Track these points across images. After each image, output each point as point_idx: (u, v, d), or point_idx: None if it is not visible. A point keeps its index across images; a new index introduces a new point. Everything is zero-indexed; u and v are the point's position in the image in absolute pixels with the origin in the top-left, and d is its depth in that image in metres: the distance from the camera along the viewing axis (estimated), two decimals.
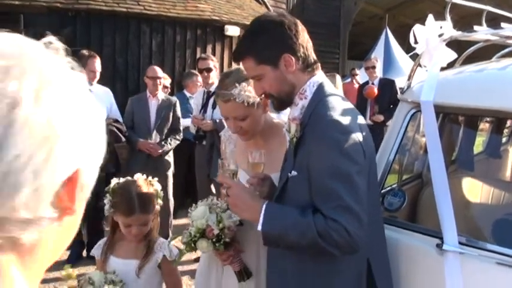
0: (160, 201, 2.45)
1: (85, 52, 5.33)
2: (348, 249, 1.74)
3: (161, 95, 5.82)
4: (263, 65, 1.93)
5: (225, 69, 8.26)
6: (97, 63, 5.30)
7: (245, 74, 2.27)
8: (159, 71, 5.79)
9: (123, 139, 5.48)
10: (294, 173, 1.88)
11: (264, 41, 1.93)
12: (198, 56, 7.83)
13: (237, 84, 2.23)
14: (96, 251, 2.52)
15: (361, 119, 1.97)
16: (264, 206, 1.84)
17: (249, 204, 1.89)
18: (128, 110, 5.80)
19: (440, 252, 2.09)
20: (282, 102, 2.04)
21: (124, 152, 5.99)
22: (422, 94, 2.34)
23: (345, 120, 1.82)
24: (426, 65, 2.58)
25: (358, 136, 1.82)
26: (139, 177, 2.49)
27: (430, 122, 2.29)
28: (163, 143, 5.68)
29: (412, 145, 3.09)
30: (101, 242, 2.54)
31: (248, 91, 2.23)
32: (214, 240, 2.18)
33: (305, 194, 1.80)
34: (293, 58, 1.92)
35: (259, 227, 1.82)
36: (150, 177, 2.53)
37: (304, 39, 1.97)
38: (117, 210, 2.38)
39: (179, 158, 6.18)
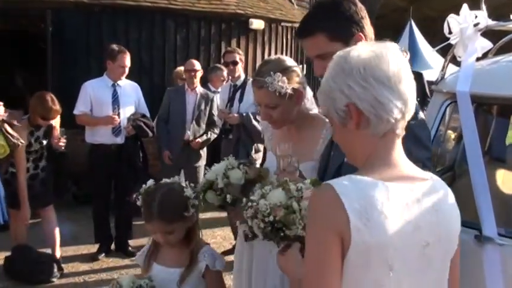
0: (191, 210, 2.21)
1: (115, 47, 5.38)
2: None
3: (199, 88, 5.87)
4: (336, 42, 1.87)
5: (250, 62, 8.26)
6: (127, 59, 5.35)
7: (284, 64, 2.31)
8: (196, 64, 5.85)
9: (150, 134, 5.53)
10: None
11: (340, 17, 1.89)
12: (222, 50, 7.85)
13: (271, 73, 2.25)
14: (140, 258, 2.38)
15: None
16: None
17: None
18: (164, 101, 5.87)
19: (479, 243, 2.06)
20: None
21: (151, 147, 6.05)
22: (458, 84, 2.31)
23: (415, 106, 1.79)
24: (460, 55, 2.54)
25: (426, 122, 1.81)
26: (173, 183, 2.31)
27: (467, 112, 2.26)
28: (204, 136, 5.75)
29: (444, 137, 3.05)
30: (145, 249, 2.38)
31: (282, 81, 2.24)
32: (218, 193, 2.21)
33: None
34: (363, 38, 1.89)
35: None
36: (186, 183, 2.34)
37: (368, 21, 1.95)
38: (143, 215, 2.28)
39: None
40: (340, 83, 1.37)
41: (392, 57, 1.37)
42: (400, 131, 1.40)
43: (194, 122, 5.75)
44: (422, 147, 1.75)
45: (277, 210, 1.56)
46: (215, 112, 5.90)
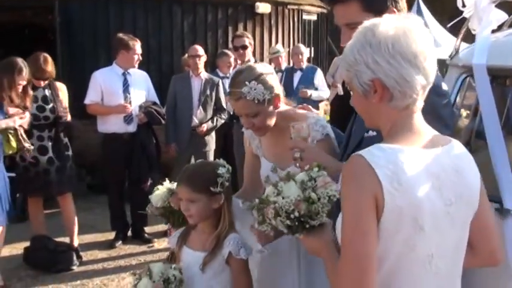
0: (219, 188, 2.20)
1: (126, 36, 5.38)
2: None
3: (204, 74, 5.85)
4: (368, 13, 1.82)
5: (257, 47, 8.22)
6: (139, 47, 5.37)
7: (256, 72, 2.28)
8: (199, 50, 5.82)
9: (162, 121, 5.54)
10: (372, 133, 1.85)
11: None
12: (229, 35, 7.83)
13: (247, 83, 2.23)
14: (173, 239, 2.40)
15: None
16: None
17: (328, 165, 1.83)
18: (170, 89, 5.85)
19: (500, 216, 2.06)
20: None
21: (162, 134, 6.06)
22: (474, 57, 2.29)
23: (439, 82, 1.77)
24: (475, 28, 2.52)
25: (450, 99, 1.78)
26: (214, 161, 2.41)
27: (484, 85, 2.24)
28: (210, 122, 5.72)
29: (459, 112, 3.03)
30: (179, 231, 2.40)
31: (258, 88, 2.24)
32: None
33: None
34: (396, 13, 1.82)
35: (338, 187, 1.81)
36: (224, 162, 2.34)
37: None
38: None
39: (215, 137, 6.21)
40: (367, 57, 1.41)
41: (419, 34, 1.41)
42: (420, 103, 1.46)
43: (200, 107, 5.73)
44: (445, 127, 1.74)
45: (299, 205, 1.55)
46: (222, 97, 5.87)
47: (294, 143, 1.99)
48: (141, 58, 5.43)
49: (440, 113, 1.73)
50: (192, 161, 5.79)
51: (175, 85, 5.84)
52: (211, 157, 5.84)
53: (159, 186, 2.45)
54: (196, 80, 5.80)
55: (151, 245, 5.50)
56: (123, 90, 5.34)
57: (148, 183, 5.55)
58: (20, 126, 4.36)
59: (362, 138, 1.91)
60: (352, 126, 2.09)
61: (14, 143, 4.34)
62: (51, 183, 4.85)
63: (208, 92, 5.78)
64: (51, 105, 4.89)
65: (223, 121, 5.91)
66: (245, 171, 2.66)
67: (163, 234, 5.78)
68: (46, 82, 4.89)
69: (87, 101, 5.37)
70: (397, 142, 1.41)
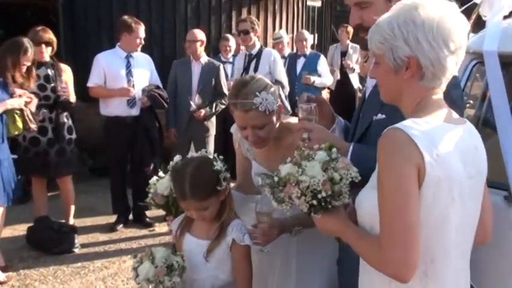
0: (224, 183, 2.16)
1: (130, 19, 5.32)
2: None
3: (204, 58, 5.78)
4: None
5: (261, 32, 8.15)
6: (143, 30, 5.32)
7: (264, 82, 2.25)
8: (198, 34, 5.73)
9: (165, 105, 5.51)
10: (381, 116, 1.84)
11: None
12: (233, 19, 7.77)
13: (257, 93, 2.18)
14: (174, 225, 2.33)
15: None
16: (351, 146, 1.83)
17: (336, 145, 1.83)
18: (171, 74, 5.79)
19: (508, 204, 2.05)
20: None
21: (163, 119, 6.03)
22: (485, 44, 2.26)
23: None
24: (486, 14, 2.48)
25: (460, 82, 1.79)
26: (202, 156, 2.24)
27: (495, 72, 2.21)
28: (208, 108, 5.65)
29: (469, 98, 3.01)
30: (180, 217, 2.33)
31: (269, 99, 2.20)
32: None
33: None
34: None
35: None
36: (215, 156, 2.27)
37: None
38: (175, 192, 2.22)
39: (217, 123, 6.16)
40: (408, 34, 1.44)
41: (459, 21, 1.47)
42: (444, 86, 1.52)
43: (199, 92, 5.64)
44: (457, 108, 1.73)
45: (326, 185, 1.53)
46: (223, 82, 5.79)
47: (302, 124, 1.96)
48: (143, 42, 5.38)
49: (453, 98, 1.71)
50: (192, 146, 5.77)
51: (175, 70, 5.79)
52: (211, 142, 5.80)
53: (161, 175, 2.37)
54: (196, 64, 5.72)
55: (152, 228, 5.50)
56: (126, 73, 5.30)
57: (151, 168, 5.55)
58: (27, 107, 4.34)
59: (371, 121, 1.90)
60: (360, 111, 2.08)
61: (20, 124, 4.33)
62: (50, 164, 4.85)
63: (208, 77, 5.69)
64: (52, 84, 4.88)
65: (223, 106, 5.75)
66: (237, 171, 2.61)
67: (164, 218, 5.76)
68: (49, 52, 4.89)
69: (90, 83, 5.34)
70: (425, 117, 1.45)
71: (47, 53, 4.90)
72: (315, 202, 1.54)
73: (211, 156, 2.26)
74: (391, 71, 1.49)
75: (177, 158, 2.33)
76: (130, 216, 5.67)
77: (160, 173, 2.38)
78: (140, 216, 5.62)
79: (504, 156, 2.08)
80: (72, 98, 5.07)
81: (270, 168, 2.19)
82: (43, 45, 4.85)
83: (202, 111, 5.58)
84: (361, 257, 1.54)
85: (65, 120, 4.97)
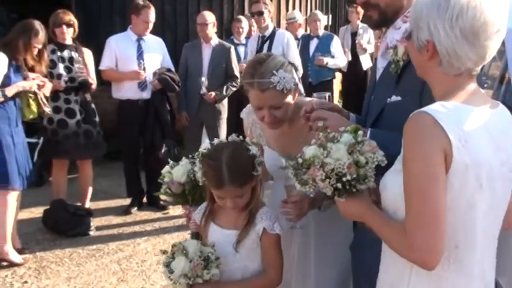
0: (258, 169, 2.05)
1: (140, 1, 5.29)
2: None
3: (215, 40, 5.73)
4: None
5: (274, 13, 8.06)
6: (151, 14, 5.28)
7: (280, 60, 2.20)
8: (208, 16, 5.68)
9: (177, 88, 5.50)
10: (395, 98, 1.81)
11: None
12: (246, 1, 7.69)
13: (274, 72, 2.13)
14: (197, 215, 2.23)
15: None
16: (369, 131, 1.79)
17: None
18: (182, 57, 5.77)
19: None
20: (383, 19, 1.93)
21: (175, 102, 6.02)
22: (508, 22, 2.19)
23: None
24: None
25: None
26: (233, 141, 2.11)
27: None
28: (218, 91, 5.61)
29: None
30: (202, 207, 2.24)
31: (287, 77, 2.16)
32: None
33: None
34: None
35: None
36: (246, 139, 2.18)
37: None
38: (207, 180, 2.08)
39: (230, 106, 6.13)
40: (429, 18, 1.43)
41: (492, 7, 1.39)
42: (475, 72, 1.48)
43: (210, 75, 5.61)
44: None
45: (351, 168, 1.50)
46: (234, 64, 5.74)
47: (317, 113, 1.91)
48: (150, 27, 5.36)
49: None
50: (204, 130, 5.75)
51: (186, 53, 5.76)
52: (223, 126, 5.78)
53: (172, 163, 2.33)
54: (207, 47, 5.68)
55: (166, 211, 5.53)
56: (137, 56, 5.30)
57: (163, 151, 5.56)
58: (40, 90, 4.36)
59: (385, 104, 1.86)
60: (371, 95, 2.04)
61: (34, 108, 4.37)
62: (80, 146, 4.92)
63: (218, 59, 5.65)
64: (77, 66, 4.92)
65: (234, 89, 5.73)
66: None
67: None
68: (71, 34, 4.95)
69: (101, 66, 5.35)
70: (454, 100, 1.43)
71: (68, 34, 4.93)
72: (339, 185, 1.51)
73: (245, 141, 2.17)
74: (416, 49, 1.50)
75: (206, 144, 2.29)
76: (144, 199, 5.70)
77: (171, 162, 2.34)
78: (154, 199, 5.64)
79: None
80: (93, 81, 5.08)
81: (283, 153, 2.16)
82: (64, 27, 4.89)
83: (213, 94, 5.55)
84: (385, 242, 1.52)
85: (90, 102, 5.02)
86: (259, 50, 5.75)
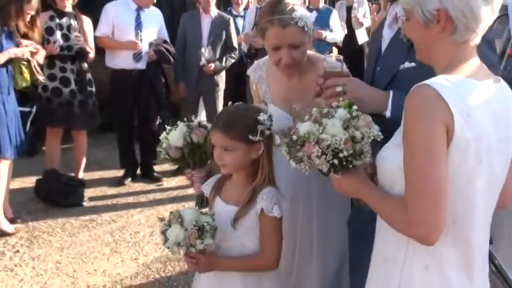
0: (258, 137, 1.96)
1: None
2: None
3: (214, 11, 5.64)
4: None
5: None
6: None
7: (297, 0, 2.15)
8: None
9: (172, 60, 5.42)
10: (409, 64, 1.77)
11: None
12: None
13: (295, 8, 2.09)
14: (206, 187, 2.20)
15: None
16: (392, 92, 1.76)
17: (373, 94, 1.79)
18: (180, 28, 5.67)
19: None
20: None
21: (171, 74, 5.95)
22: None
23: None
24: None
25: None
26: (255, 105, 2.11)
27: None
28: (218, 62, 5.56)
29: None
30: (213, 179, 2.20)
31: (307, 14, 2.11)
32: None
33: None
34: None
35: (388, 114, 1.76)
36: (264, 107, 2.13)
37: None
38: None
39: (227, 77, 6.07)
40: None
41: None
42: (479, 39, 1.43)
43: (210, 46, 5.56)
44: (493, 50, 1.66)
45: (348, 143, 1.45)
46: (233, 35, 5.70)
47: (333, 80, 1.84)
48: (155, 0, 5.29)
49: (489, 38, 1.65)
50: (201, 101, 5.70)
51: (185, 23, 5.67)
52: (220, 98, 5.74)
53: (169, 128, 2.28)
54: (206, 18, 5.60)
55: (160, 183, 5.50)
56: (135, 26, 5.21)
57: (157, 122, 5.51)
58: (33, 58, 4.26)
59: (396, 71, 1.81)
60: (375, 67, 1.99)
61: (27, 75, 4.28)
62: (74, 115, 4.85)
63: (218, 30, 5.59)
64: (75, 34, 4.82)
65: (233, 61, 5.74)
66: None
67: (173, 173, 5.78)
68: (71, 1, 4.85)
69: (97, 33, 5.23)
70: (457, 74, 1.38)
71: (68, 1, 4.83)
72: (336, 161, 1.46)
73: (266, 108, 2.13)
74: (421, 26, 1.43)
75: (203, 115, 2.27)
76: (138, 171, 5.67)
77: (167, 127, 2.29)
78: (148, 171, 5.61)
79: None
80: (92, 53, 4.99)
81: (289, 110, 2.11)
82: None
83: (212, 65, 5.49)
84: (382, 218, 1.48)
85: (87, 72, 4.93)
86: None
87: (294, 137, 1.53)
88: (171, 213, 2.01)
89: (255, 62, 2.46)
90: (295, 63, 2.19)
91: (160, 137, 2.28)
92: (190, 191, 5.34)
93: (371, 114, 1.55)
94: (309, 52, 2.30)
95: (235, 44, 5.70)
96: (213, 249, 2.00)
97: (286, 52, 2.14)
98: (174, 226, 1.94)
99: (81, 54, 4.84)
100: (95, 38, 5.21)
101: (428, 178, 1.32)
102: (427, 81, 1.35)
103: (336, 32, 6.84)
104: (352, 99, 1.62)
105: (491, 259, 1.82)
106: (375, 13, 8.39)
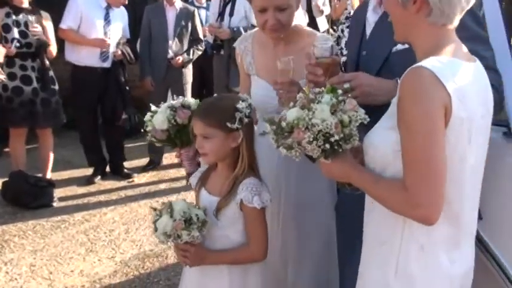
0: (237, 125, 1.96)
1: None
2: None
3: (179, 3, 5.58)
4: None
5: None
6: None
7: None
8: None
9: (134, 60, 5.39)
10: (402, 46, 1.77)
11: None
12: None
13: None
14: (193, 179, 2.20)
15: None
16: (398, 79, 1.73)
17: (382, 85, 1.78)
18: (144, 21, 5.58)
19: (507, 140, 2.02)
20: None
21: (135, 68, 5.86)
22: None
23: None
24: None
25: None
26: (235, 94, 2.15)
27: (492, 4, 2.15)
28: (186, 55, 5.52)
29: None
30: (200, 171, 2.21)
31: None
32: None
33: None
34: None
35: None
36: (246, 96, 2.12)
37: None
38: None
39: (193, 69, 6.01)
40: None
41: None
42: (457, 22, 1.45)
43: (176, 39, 5.52)
44: (480, 24, 1.69)
45: (338, 127, 1.45)
46: (199, 27, 5.69)
47: (338, 78, 1.84)
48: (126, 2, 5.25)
49: (475, 12, 1.68)
50: (169, 94, 5.63)
51: (149, 16, 5.58)
52: (189, 90, 5.71)
53: (154, 109, 2.27)
54: (170, 10, 5.55)
55: (131, 180, 5.42)
56: (103, 24, 5.11)
57: (123, 117, 5.41)
58: None
59: (388, 54, 1.83)
60: (360, 52, 2.00)
61: None
62: (37, 114, 4.70)
63: (183, 22, 5.55)
64: (29, 33, 4.66)
65: (200, 52, 5.73)
66: (241, 91, 2.55)
67: (143, 169, 5.71)
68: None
69: (63, 25, 5.06)
70: (445, 56, 1.40)
71: None
72: (327, 146, 1.45)
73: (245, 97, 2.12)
74: (399, 5, 1.45)
75: None
76: (108, 169, 5.56)
77: (153, 107, 2.27)
78: (118, 168, 5.53)
79: (505, 89, 2.04)
80: (54, 48, 4.85)
81: (273, 82, 2.12)
82: None
83: (180, 58, 5.45)
84: (377, 200, 1.48)
85: (48, 69, 4.78)
86: (221, 12, 5.59)
87: (283, 124, 1.51)
88: (163, 203, 2.03)
89: (243, 34, 2.51)
90: (281, 25, 2.21)
91: (145, 118, 2.28)
92: (163, 186, 5.32)
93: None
94: (298, 24, 2.36)
95: (201, 36, 5.67)
96: (200, 241, 1.99)
97: (272, 14, 2.18)
98: (164, 216, 1.96)
99: (41, 46, 4.67)
100: (59, 29, 5.05)
101: (431, 160, 1.34)
102: (422, 64, 1.36)
103: (298, 20, 6.87)
104: (360, 94, 1.64)
105: (478, 236, 1.87)
106: (336, 0, 8.46)
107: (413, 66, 1.37)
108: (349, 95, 1.54)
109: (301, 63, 2.00)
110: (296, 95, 1.98)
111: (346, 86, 1.75)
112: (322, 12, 8.03)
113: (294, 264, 2.48)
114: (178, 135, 2.25)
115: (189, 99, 2.29)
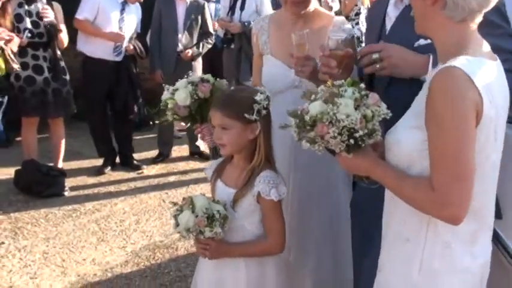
0: (255, 116, 1.98)
1: None
2: None
3: None
4: None
5: None
6: None
7: None
8: None
9: (145, 54, 5.46)
10: (424, 41, 1.79)
11: None
12: None
13: None
14: (209, 171, 2.22)
15: None
16: (431, 56, 1.76)
17: (411, 59, 1.79)
18: (155, 14, 5.61)
19: None
20: None
21: (145, 61, 5.90)
22: None
23: None
24: None
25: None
26: (254, 86, 2.18)
27: None
28: (195, 48, 5.56)
29: None
30: (216, 162, 2.23)
31: None
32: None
33: None
34: None
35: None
36: (264, 89, 2.12)
37: None
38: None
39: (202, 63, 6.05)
40: None
41: None
42: (478, 20, 1.45)
43: (186, 32, 5.55)
44: (505, 20, 1.72)
45: (363, 122, 1.45)
46: (209, 21, 5.70)
47: (368, 48, 1.85)
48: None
49: (500, 7, 1.70)
50: None
51: (159, 9, 5.61)
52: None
53: (172, 88, 2.30)
54: (181, 3, 5.57)
55: (140, 171, 5.47)
56: (119, 19, 5.16)
57: (135, 112, 5.47)
58: (7, 46, 4.15)
59: (411, 49, 1.84)
60: (379, 40, 2.00)
61: (2, 64, 4.16)
62: (48, 104, 4.73)
63: (193, 15, 5.57)
64: (41, 24, 4.67)
65: (209, 46, 5.74)
66: (254, 71, 2.62)
67: (152, 161, 5.76)
68: None
69: (79, 15, 5.10)
70: (473, 55, 1.40)
71: None
72: (351, 141, 1.46)
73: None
74: None
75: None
76: (118, 160, 5.62)
77: (170, 88, 2.31)
78: (127, 159, 5.58)
79: None
80: (65, 38, 4.87)
81: (287, 62, 2.18)
82: None
83: (190, 52, 5.49)
84: (402, 197, 1.48)
85: (60, 59, 4.81)
86: (232, 6, 5.63)
87: (307, 118, 1.50)
88: (183, 198, 2.05)
89: (260, 17, 2.60)
90: (302, 0, 2.30)
91: (163, 97, 2.32)
92: (172, 178, 5.38)
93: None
94: (318, 7, 2.45)
95: (211, 29, 5.70)
96: (222, 237, 2.02)
97: None
98: (186, 212, 1.98)
99: (52, 29, 4.67)
100: (75, 20, 5.10)
101: (464, 160, 1.35)
102: (454, 63, 1.36)
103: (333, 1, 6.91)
104: (389, 65, 1.64)
105: (496, 236, 1.89)
106: None
107: (445, 65, 1.38)
108: (378, 66, 1.55)
109: (316, 42, 2.03)
110: (310, 69, 2.02)
111: (376, 56, 1.75)
112: (331, 8, 8.03)
113: (298, 250, 2.53)
114: (199, 110, 2.28)
115: (205, 75, 2.36)
